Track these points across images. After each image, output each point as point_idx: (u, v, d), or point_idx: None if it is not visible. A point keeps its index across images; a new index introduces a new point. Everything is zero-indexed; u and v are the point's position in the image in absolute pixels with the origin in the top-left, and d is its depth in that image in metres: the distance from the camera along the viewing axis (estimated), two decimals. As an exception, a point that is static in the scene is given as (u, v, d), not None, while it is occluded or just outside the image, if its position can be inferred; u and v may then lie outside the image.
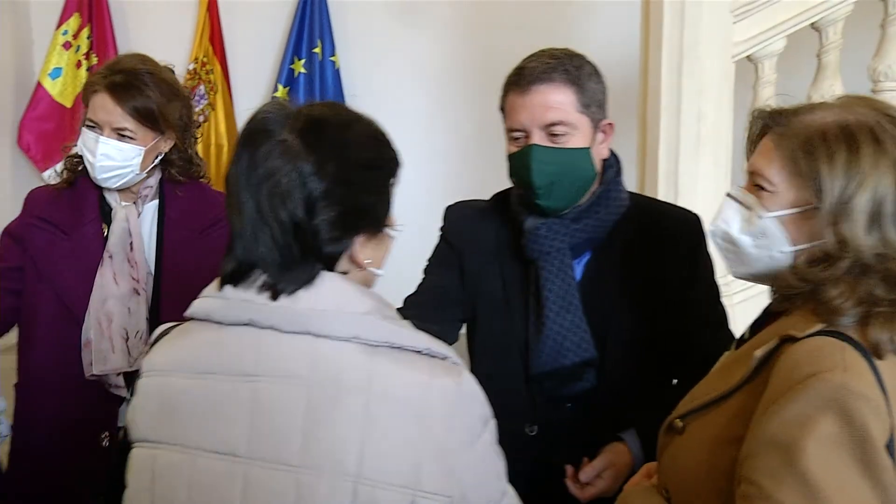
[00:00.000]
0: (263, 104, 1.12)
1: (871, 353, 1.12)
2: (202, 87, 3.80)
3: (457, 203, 1.76)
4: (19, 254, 1.91)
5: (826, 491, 1.05)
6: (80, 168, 1.93)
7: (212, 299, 1.10)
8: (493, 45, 3.75)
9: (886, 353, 1.12)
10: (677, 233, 1.64)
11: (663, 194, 2.61)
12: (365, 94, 3.82)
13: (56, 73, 3.66)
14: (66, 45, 3.65)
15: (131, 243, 1.92)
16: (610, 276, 1.62)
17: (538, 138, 1.55)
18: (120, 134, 1.87)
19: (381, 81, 3.79)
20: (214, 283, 1.12)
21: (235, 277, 1.08)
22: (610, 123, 1.61)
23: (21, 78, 3.69)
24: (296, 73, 3.75)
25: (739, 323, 1.58)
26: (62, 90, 3.68)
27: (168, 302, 1.89)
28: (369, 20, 3.86)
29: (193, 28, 3.85)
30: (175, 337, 1.14)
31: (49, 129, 3.71)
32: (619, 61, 2.82)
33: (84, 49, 3.67)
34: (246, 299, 1.07)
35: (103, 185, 1.91)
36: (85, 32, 3.69)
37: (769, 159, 1.24)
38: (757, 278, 1.31)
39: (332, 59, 3.79)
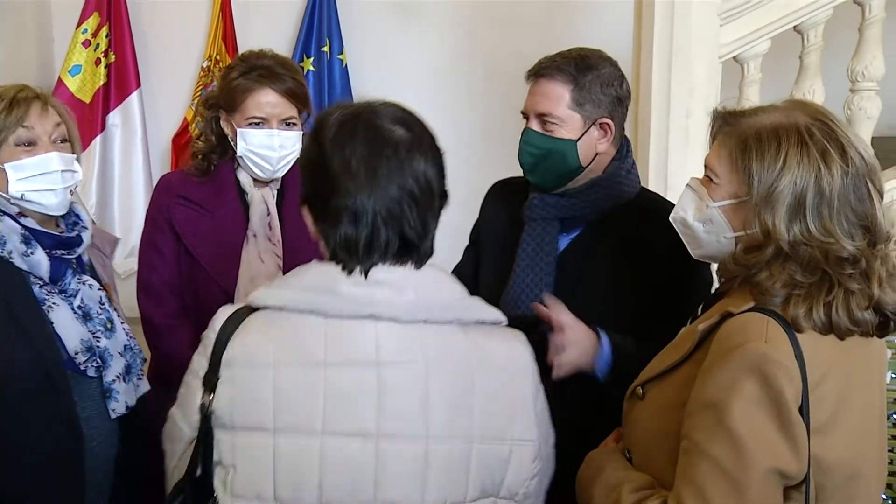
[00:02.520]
0: (332, 106, 1.25)
1: (793, 327, 1.24)
2: (215, 85, 3.81)
3: (499, 181, 1.97)
4: (173, 236, 2.02)
5: (749, 444, 1.19)
6: (214, 160, 2.05)
7: (327, 295, 1.18)
8: (496, 43, 3.81)
9: (804, 327, 1.24)
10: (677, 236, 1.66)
11: (654, 186, 2.66)
12: (372, 92, 3.66)
13: (76, 69, 3.78)
14: (86, 44, 3.76)
15: (270, 223, 2.04)
16: (592, 252, 1.77)
17: (533, 124, 1.75)
18: (287, 123, 2.00)
19: (387, 79, 3.81)
20: (311, 273, 1.20)
21: (367, 257, 1.18)
22: (608, 123, 1.75)
23: (43, 74, 3.82)
24: (305, 71, 3.81)
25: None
26: (81, 86, 3.80)
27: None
28: (376, 19, 3.89)
29: (207, 27, 3.91)
30: (265, 326, 1.19)
31: (68, 123, 3.86)
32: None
33: (103, 47, 3.78)
34: (365, 295, 1.18)
35: (275, 175, 2.02)
36: (104, 31, 3.78)
37: (717, 155, 1.36)
38: (712, 258, 1.45)
39: (339, 57, 3.78)
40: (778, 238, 1.26)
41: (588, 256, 1.77)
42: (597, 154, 1.77)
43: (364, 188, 1.17)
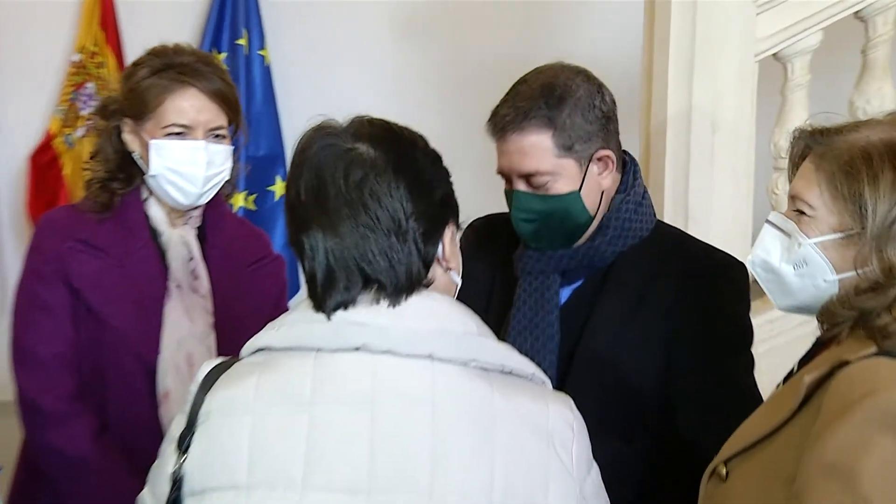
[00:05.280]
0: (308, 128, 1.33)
1: None
2: (91, 85, 3.80)
3: (476, 221, 1.99)
4: (69, 292, 2.00)
5: None
6: (117, 189, 2.04)
7: (314, 325, 1.28)
8: (463, 43, 3.91)
9: None
10: (705, 278, 1.80)
11: (670, 218, 2.67)
12: (309, 96, 3.88)
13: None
14: None
15: (194, 271, 2.06)
16: (600, 304, 1.84)
17: (520, 185, 1.80)
18: (216, 135, 2.02)
19: (322, 83, 3.86)
20: (299, 309, 1.31)
21: (329, 295, 1.27)
22: (608, 154, 1.81)
23: None
24: (217, 70, 3.84)
25: (765, 375, 1.77)
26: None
27: (219, 338, 2.05)
28: (311, 11, 3.95)
29: (78, 10, 3.87)
30: (250, 369, 1.29)
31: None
32: (616, 62, 2.90)
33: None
34: (357, 322, 1.26)
35: (199, 201, 2.04)
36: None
37: (809, 182, 1.40)
38: (802, 309, 1.48)
39: (260, 53, 3.85)
40: None
41: (594, 309, 1.84)
42: (603, 192, 1.84)
43: (313, 221, 1.27)
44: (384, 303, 1.28)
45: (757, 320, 2.00)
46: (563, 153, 1.77)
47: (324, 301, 1.28)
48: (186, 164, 2.00)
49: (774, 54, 2.81)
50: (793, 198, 1.44)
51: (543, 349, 1.81)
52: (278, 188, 3.94)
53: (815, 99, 2.86)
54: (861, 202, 1.33)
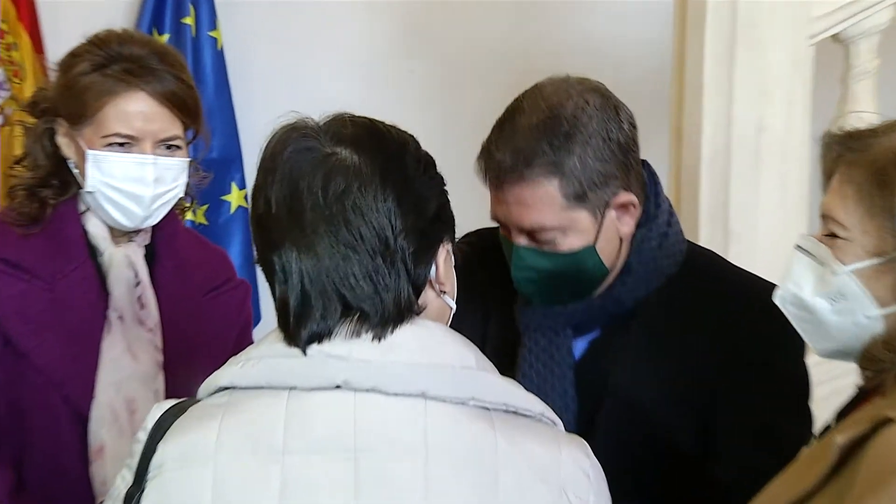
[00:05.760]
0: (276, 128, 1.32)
1: None
2: (0, 72, 3.79)
3: (461, 239, 1.84)
4: None
5: None
6: (48, 199, 1.97)
7: (286, 359, 1.25)
8: (452, 19, 3.83)
9: None
10: (747, 321, 1.72)
11: (706, 237, 2.61)
12: (271, 87, 3.82)
13: None
14: None
15: (140, 298, 1.98)
16: (620, 359, 1.76)
17: (521, 240, 1.72)
18: (168, 146, 1.94)
19: (284, 71, 3.78)
20: (267, 341, 1.29)
21: (302, 325, 1.24)
22: (629, 200, 1.71)
23: None
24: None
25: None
26: None
27: (169, 376, 1.99)
28: None
29: None
30: (211, 411, 1.26)
31: None
32: (641, 46, 3.01)
33: None
34: (337, 355, 1.23)
35: (145, 224, 1.98)
36: None
37: (841, 196, 1.35)
38: (845, 354, 1.42)
39: (211, 34, 3.71)
40: None
41: (616, 366, 1.77)
42: (621, 240, 1.76)
43: (286, 239, 1.25)
44: (367, 335, 1.24)
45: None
46: (574, 204, 1.67)
47: (297, 332, 1.25)
48: (130, 182, 1.90)
49: (833, 36, 2.75)
50: (824, 217, 1.40)
51: (560, 418, 1.73)
52: (234, 198, 3.84)
53: (885, 89, 2.82)
54: None
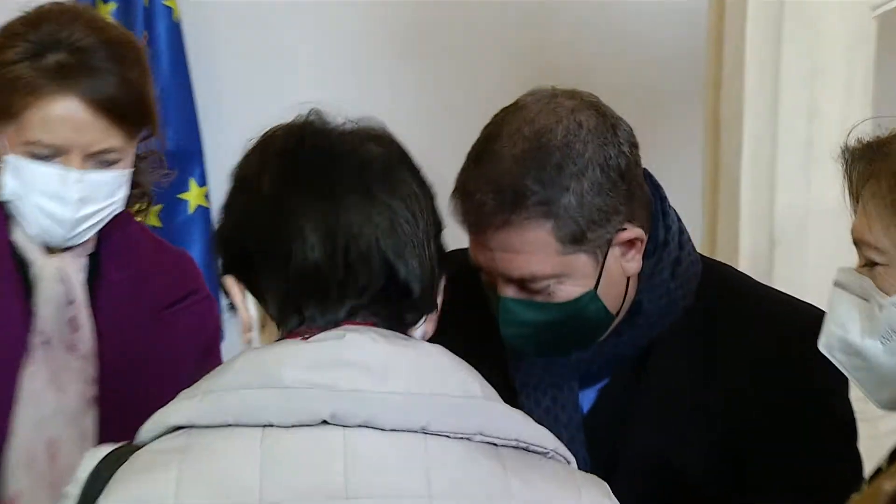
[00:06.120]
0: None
1: None
2: None
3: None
4: None
5: None
6: None
7: (259, 390, 1.20)
8: (425, 13, 3.78)
9: None
10: (783, 359, 1.70)
11: (748, 247, 2.62)
12: (238, 66, 3.73)
13: None
14: None
15: (73, 320, 1.93)
16: (635, 408, 1.76)
17: (508, 291, 1.68)
18: (102, 160, 1.88)
19: (264, 44, 3.67)
20: (236, 365, 1.25)
21: (306, 308, 1.24)
22: (635, 236, 1.68)
23: None
24: (103, 24, 3.57)
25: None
26: None
27: (107, 414, 1.94)
28: None
29: None
30: (163, 458, 1.21)
31: None
32: (671, 24, 2.94)
33: None
34: (320, 384, 1.19)
35: (69, 243, 1.93)
36: None
37: (869, 216, 1.37)
38: None
39: (167, 4, 3.59)
40: None
41: (631, 415, 1.76)
42: (629, 279, 1.73)
43: (317, 202, 1.22)
44: (393, 337, 1.22)
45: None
46: (571, 247, 1.64)
47: (324, 309, 1.22)
48: (48, 200, 1.85)
49: (902, 6, 2.68)
50: (856, 243, 1.41)
51: None
52: (193, 196, 3.70)
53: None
54: None
